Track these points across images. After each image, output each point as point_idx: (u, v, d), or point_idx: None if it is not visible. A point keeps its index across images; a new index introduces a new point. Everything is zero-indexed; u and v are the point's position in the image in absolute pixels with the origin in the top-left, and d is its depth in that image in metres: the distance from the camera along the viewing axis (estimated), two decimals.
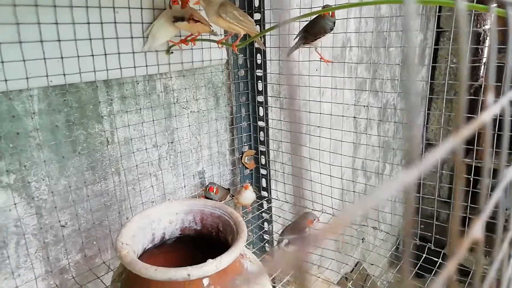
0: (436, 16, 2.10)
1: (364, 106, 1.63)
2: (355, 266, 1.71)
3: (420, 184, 0.95)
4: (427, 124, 2.55)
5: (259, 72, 1.06)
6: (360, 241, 1.00)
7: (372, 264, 1.05)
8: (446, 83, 1.40)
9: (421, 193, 0.95)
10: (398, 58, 2.04)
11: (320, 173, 1.02)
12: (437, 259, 0.85)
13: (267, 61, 1.04)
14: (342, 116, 1.13)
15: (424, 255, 0.87)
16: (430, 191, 2.15)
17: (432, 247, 0.90)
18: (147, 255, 0.61)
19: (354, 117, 1.58)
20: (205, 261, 0.51)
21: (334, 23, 0.81)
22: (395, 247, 0.92)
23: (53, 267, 0.77)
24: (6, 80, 0.63)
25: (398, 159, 2.22)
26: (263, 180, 1.15)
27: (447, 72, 2.20)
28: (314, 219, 0.84)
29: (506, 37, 0.25)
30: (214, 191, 0.92)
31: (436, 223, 0.88)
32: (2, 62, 0.62)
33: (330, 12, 0.78)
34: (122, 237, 0.53)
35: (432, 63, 2.36)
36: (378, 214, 0.98)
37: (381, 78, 1.82)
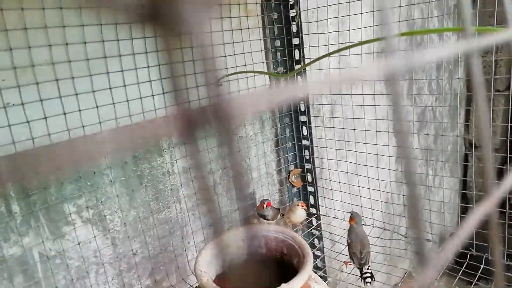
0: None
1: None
2: (403, 276, 1.70)
3: None
4: (467, 121, 2.48)
5: None
6: (408, 252, 1.01)
7: None
8: (492, 79, 1.38)
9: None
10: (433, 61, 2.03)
11: (369, 189, 1.05)
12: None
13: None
14: (380, 130, 1.15)
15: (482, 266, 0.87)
16: (478, 196, 2.10)
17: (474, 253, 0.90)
18: (219, 279, 0.66)
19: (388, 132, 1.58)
20: (272, 284, 0.55)
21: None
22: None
23: None
24: (83, 126, 0.71)
25: (440, 164, 2.18)
26: (311, 197, 1.18)
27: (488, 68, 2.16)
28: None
29: None
30: (266, 206, 0.96)
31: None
32: (80, 110, 0.70)
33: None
34: (200, 265, 0.58)
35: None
36: (431, 226, 0.99)
37: (421, 79, 1.81)
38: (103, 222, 0.78)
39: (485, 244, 0.90)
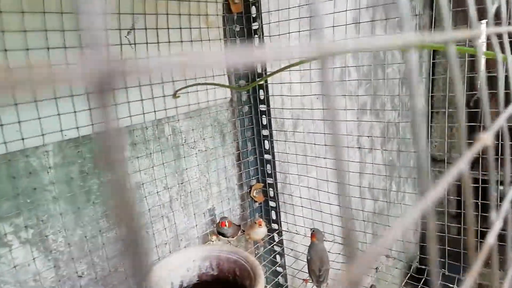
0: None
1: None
2: None
3: None
4: (430, 138, 2.56)
5: (262, 107, 1.08)
6: (372, 270, 1.00)
7: None
8: (446, 97, 1.42)
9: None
10: (397, 76, 2.08)
11: (330, 204, 1.03)
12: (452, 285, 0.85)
13: (270, 97, 1.07)
14: (341, 145, 1.15)
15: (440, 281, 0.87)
16: (437, 205, 2.15)
17: (446, 273, 0.90)
18: None
19: (358, 137, 1.60)
20: None
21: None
22: (408, 273, 0.92)
23: None
24: (23, 139, 0.66)
25: (404, 175, 2.22)
26: (273, 213, 1.16)
27: (447, 85, 2.23)
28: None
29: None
30: (227, 225, 0.93)
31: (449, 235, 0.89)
32: (19, 122, 0.65)
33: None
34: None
35: (432, 77, 2.39)
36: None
37: (384, 94, 1.85)
38: (45, 243, 0.72)
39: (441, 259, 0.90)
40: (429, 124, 2.36)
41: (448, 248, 0.91)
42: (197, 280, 0.64)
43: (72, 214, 0.75)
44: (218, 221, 0.97)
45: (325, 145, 1.01)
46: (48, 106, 0.69)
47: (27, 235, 0.70)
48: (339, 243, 1.05)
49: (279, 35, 1.03)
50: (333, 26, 0.94)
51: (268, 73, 0.93)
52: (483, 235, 0.25)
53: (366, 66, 1.68)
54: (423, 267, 0.90)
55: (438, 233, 0.97)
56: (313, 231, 0.93)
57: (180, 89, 0.88)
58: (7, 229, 0.67)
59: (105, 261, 0.81)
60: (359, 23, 0.95)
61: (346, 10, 0.95)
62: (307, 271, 0.94)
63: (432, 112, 2.47)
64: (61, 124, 0.71)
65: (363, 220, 1.01)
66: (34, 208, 0.70)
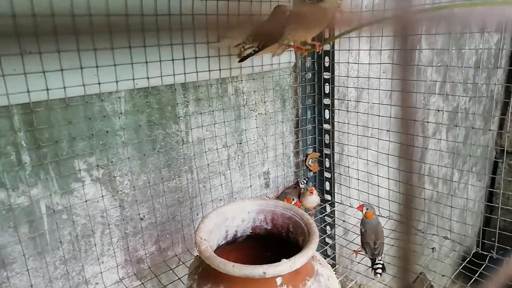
0: None
1: (438, 110, 1.55)
2: (418, 275, 1.64)
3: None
4: (501, 130, 2.37)
5: (326, 75, 1.06)
6: (425, 250, 0.96)
7: (439, 274, 1.00)
8: None
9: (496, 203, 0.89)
10: (471, 60, 1.93)
11: (388, 178, 1.00)
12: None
13: (335, 64, 1.04)
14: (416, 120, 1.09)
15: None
16: (504, 201, 2.00)
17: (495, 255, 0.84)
18: (219, 251, 0.64)
19: (424, 122, 1.52)
20: (275, 260, 0.52)
21: None
22: (466, 258, 0.87)
23: (132, 257, 0.83)
24: (99, 83, 0.70)
25: (468, 165, 2.09)
26: (327, 184, 1.15)
27: None
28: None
29: None
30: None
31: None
32: (97, 67, 0.69)
33: None
34: (201, 232, 0.56)
35: (510, 66, 2.19)
36: (451, 224, 0.94)
37: (452, 81, 1.73)
38: (113, 183, 0.77)
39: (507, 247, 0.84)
40: (505, 115, 2.18)
41: None
42: (251, 232, 0.66)
43: (138, 160, 0.80)
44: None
45: (390, 117, 0.97)
46: (123, 55, 0.72)
47: (98, 174, 0.75)
48: (394, 220, 1.02)
49: None
50: None
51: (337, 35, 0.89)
52: None
53: (440, 45, 1.56)
54: (485, 253, 0.85)
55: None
56: (367, 208, 0.91)
57: (247, 56, 0.88)
58: (81, 166, 0.73)
59: (164, 208, 0.86)
60: None
61: None
62: (357, 243, 0.93)
63: (507, 103, 2.27)
64: (134, 73, 0.74)
65: (423, 199, 0.97)
66: (105, 149, 0.75)
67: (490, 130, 2.23)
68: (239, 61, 0.86)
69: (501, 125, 2.35)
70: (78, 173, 0.72)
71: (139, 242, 0.84)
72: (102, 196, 0.76)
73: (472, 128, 1.88)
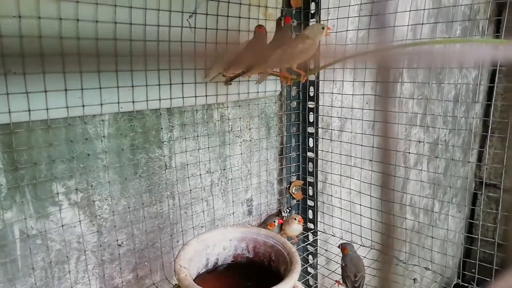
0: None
1: (419, 141, 1.59)
2: None
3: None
4: (480, 162, 2.43)
5: (311, 104, 1.08)
6: (407, 281, 0.96)
7: None
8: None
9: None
10: (450, 94, 1.99)
11: (371, 208, 1.00)
12: None
13: (320, 94, 1.06)
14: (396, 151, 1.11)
15: None
16: (483, 232, 2.02)
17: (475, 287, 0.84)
18: (199, 280, 0.62)
19: (406, 152, 1.55)
20: None
21: None
22: None
23: (107, 285, 0.80)
24: (83, 106, 0.69)
25: (448, 196, 2.12)
26: (310, 212, 1.14)
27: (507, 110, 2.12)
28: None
29: None
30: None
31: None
32: (82, 89, 0.68)
33: None
34: (181, 260, 0.55)
35: (488, 101, 2.27)
36: (432, 255, 0.94)
37: (432, 114, 1.78)
38: (91, 208, 0.75)
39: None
40: (483, 148, 2.24)
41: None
42: (232, 261, 0.65)
43: (119, 184, 0.78)
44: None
45: (372, 147, 0.98)
46: (109, 78, 0.72)
47: (77, 198, 0.73)
48: (376, 250, 1.01)
49: (335, 32, 1.02)
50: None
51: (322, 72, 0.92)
52: None
53: (420, 79, 1.62)
54: (465, 284, 0.85)
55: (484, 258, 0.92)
56: (342, 245, 0.92)
57: (234, 77, 0.89)
58: (59, 189, 0.71)
59: (144, 234, 0.83)
60: (421, 24, 0.92)
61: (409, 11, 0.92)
62: (339, 273, 0.92)
63: (485, 136, 2.34)
64: (119, 97, 0.74)
65: (405, 229, 0.97)
66: (85, 173, 0.73)
67: (469, 162, 2.28)
68: (225, 83, 0.87)
69: (480, 158, 2.41)
70: (56, 196, 0.70)
71: (116, 269, 0.81)
72: (80, 221, 0.74)
73: (452, 160, 1.92)
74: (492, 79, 2.25)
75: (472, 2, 1.77)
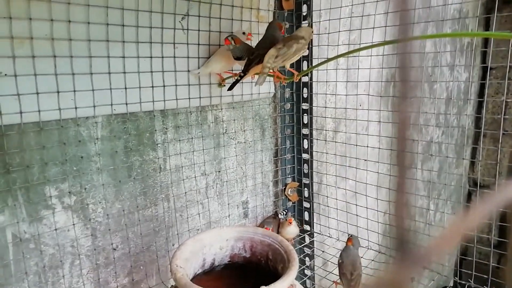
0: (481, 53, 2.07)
1: (414, 140, 1.59)
2: None
3: None
4: (473, 164, 2.45)
5: (305, 106, 1.08)
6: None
7: None
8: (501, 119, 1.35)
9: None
10: (443, 95, 2.01)
11: (367, 208, 1.00)
12: None
13: (313, 95, 1.06)
14: (383, 148, 1.12)
15: None
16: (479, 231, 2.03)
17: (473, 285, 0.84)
18: (196, 280, 0.62)
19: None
20: None
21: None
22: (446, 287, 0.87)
23: None
24: (76, 108, 0.69)
25: (442, 196, 2.13)
26: (306, 214, 1.14)
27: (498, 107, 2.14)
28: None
29: None
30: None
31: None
32: (75, 91, 0.68)
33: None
34: (177, 259, 0.54)
35: (479, 99, 2.30)
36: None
37: (425, 112, 1.79)
38: (85, 211, 0.75)
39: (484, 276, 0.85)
40: (477, 146, 2.26)
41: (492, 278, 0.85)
42: (229, 261, 0.64)
43: (113, 187, 0.78)
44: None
45: (367, 147, 0.98)
46: (101, 80, 0.71)
47: (70, 201, 0.72)
48: (373, 250, 1.01)
49: (328, 33, 1.02)
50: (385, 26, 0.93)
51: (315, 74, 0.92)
52: None
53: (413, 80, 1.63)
54: (463, 282, 0.85)
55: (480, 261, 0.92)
56: (351, 236, 0.91)
57: (226, 78, 0.89)
58: (52, 192, 0.70)
59: (139, 238, 0.83)
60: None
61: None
62: (336, 274, 0.91)
63: (478, 134, 2.36)
64: (112, 99, 0.73)
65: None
66: (79, 176, 0.73)
67: (463, 159, 2.29)
68: (228, 89, 0.86)
69: (473, 160, 2.43)
70: (49, 199, 0.69)
71: (111, 273, 0.80)
72: (73, 225, 0.73)
73: (447, 157, 1.93)
74: (483, 78, 2.27)
75: (461, 2, 1.79)
